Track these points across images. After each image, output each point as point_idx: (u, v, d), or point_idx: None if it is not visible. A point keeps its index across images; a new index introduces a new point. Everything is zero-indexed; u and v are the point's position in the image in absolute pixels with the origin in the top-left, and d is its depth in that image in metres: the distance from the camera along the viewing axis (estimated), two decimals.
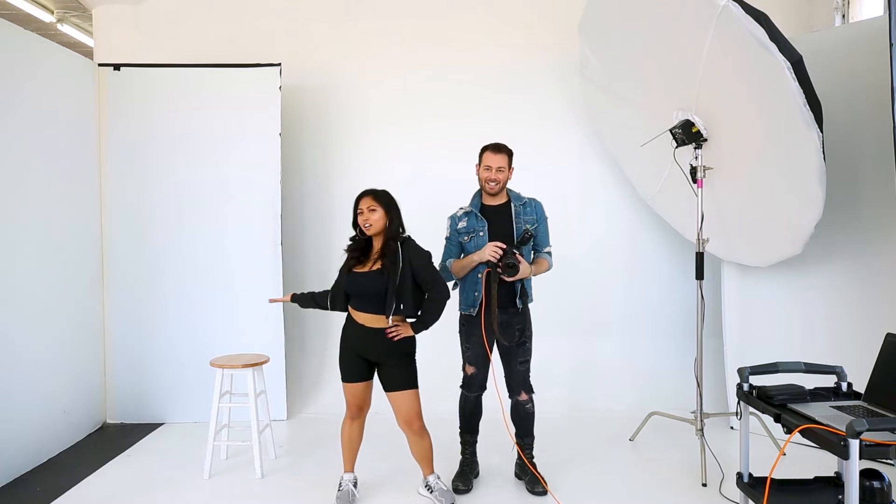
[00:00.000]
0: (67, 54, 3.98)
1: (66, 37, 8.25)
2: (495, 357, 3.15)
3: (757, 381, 2.43)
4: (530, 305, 3.19)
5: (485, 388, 3.19)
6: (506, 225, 3.11)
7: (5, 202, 3.36)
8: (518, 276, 2.96)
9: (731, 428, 3.99)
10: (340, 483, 3.07)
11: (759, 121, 3.25)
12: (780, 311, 3.84)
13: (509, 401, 3.19)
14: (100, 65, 4.25)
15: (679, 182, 3.69)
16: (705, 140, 3.42)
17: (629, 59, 3.78)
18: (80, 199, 4.03)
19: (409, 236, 2.97)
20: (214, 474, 3.38)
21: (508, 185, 3.19)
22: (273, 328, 4.22)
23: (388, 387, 2.97)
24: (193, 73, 4.25)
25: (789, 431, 2.15)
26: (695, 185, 3.47)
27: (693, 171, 3.45)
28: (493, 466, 3.39)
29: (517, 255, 2.95)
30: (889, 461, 2.77)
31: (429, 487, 3.08)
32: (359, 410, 3.05)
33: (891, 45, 2.70)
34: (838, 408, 2.24)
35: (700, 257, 3.51)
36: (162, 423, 4.21)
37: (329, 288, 3.05)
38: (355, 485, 3.06)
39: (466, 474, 3.20)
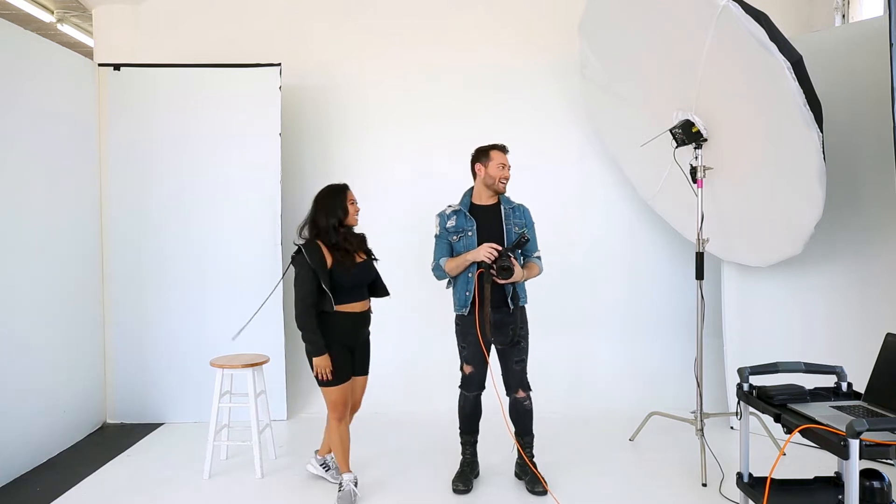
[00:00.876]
0: (67, 54, 3.99)
1: (66, 37, 8.25)
2: (493, 357, 3.15)
3: (757, 381, 2.43)
4: (526, 306, 3.19)
5: (483, 388, 3.19)
6: (495, 226, 3.12)
7: (5, 202, 3.36)
8: (511, 280, 2.97)
9: (731, 428, 3.99)
10: (341, 484, 3.05)
11: (759, 121, 3.25)
12: (780, 311, 3.84)
13: (507, 399, 3.19)
14: (100, 65, 4.25)
15: (679, 182, 3.69)
16: (705, 140, 3.42)
17: (629, 59, 3.78)
18: (80, 199, 4.03)
19: None
20: (214, 474, 3.38)
21: None
22: (273, 328, 4.22)
23: (357, 371, 3.14)
24: (193, 73, 4.25)
25: (789, 431, 2.15)
26: (695, 185, 3.47)
27: (693, 171, 3.45)
28: (493, 466, 3.39)
29: (511, 259, 2.96)
30: (889, 461, 2.76)
31: (325, 465, 3.29)
32: (345, 409, 3.07)
33: (891, 45, 2.70)
34: (838, 408, 2.24)
35: (700, 257, 3.51)
36: (162, 423, 4.21)
37: (307, 306, 2.92)
38: (356, 484, 3.06)
39: (466, 474, 3.20)
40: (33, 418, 3.53)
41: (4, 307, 3.34)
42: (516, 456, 3.27)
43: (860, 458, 1.91)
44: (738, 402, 2.44)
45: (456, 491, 3.13)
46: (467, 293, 3.07)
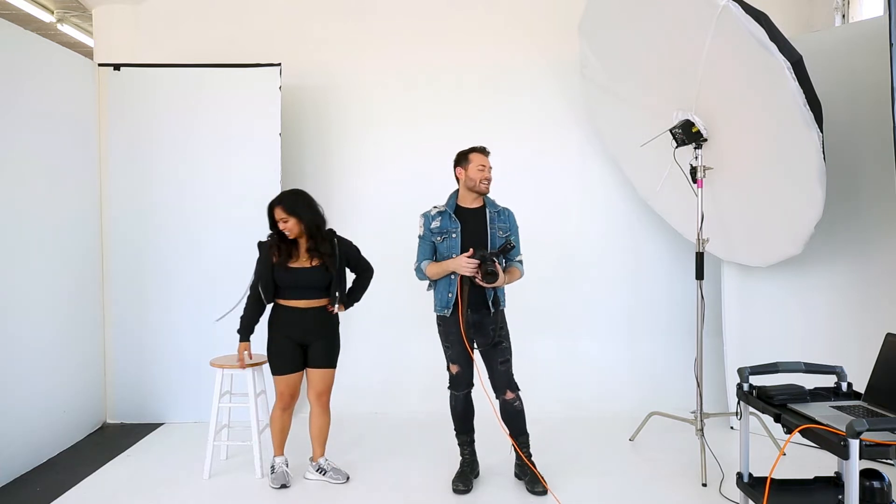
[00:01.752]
0: (67, 54, 3.99)
1: (66, 37, 8.25)
2: (479, 362, 3.17)
3: (757, 381, 2.43)
4: (504, 308, 3.20)
5: (472, 385, 3.20)
6: (479, 229, 3.13)
7: (5, 202, 3.36)
8: (495, 284, 2.99)
9: (731, 428, 4.00)
10: (273, 466, 3.26)
11: (759, 121, 3.25)
12: (780, 311, 3.84)
13: (497, 402, 3.18)
14: (100, 65, 4.25)
15: (679, 182, 3.69)
16: (705, 140, 3.42)
17: (629, 59, 3.78)
18: (80, 199, 4.03)
19: (333, 230, 3.28)
20: (214, 474, 3.38)
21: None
22: None
23: (314, 363, 3.22)
24: (194, 73, 4.25)
25: (789, 431, 2.15)
26: (695, 185, 3.47)
27: (693, 171, 3.45)
28: (493, 466, 3.39)
29: (496, 264, 2.98)
30: (889, 461, 2.76)
31: (321, 469, 3.30)
32: (291, 400, 3.21)
33: (891, 45, 2.70)
34: (838, 408, 2.24)
35: (700, 257, 3.51)
36: (162, 423, 4.21)
37: (248, 293, 3.25)
38: (287, 465, 3.28)
39: (466, 474, 3.20)
40: (33, 418, 3.53)
41: (4, 307, 3.34)
42: (515, 457, 3.27)
43: (860, 458, 1.91)
44: (738, 402, 2.44)
45: (456, 491, 3.13)
46: (450, 294, 3.09)
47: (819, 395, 2.39)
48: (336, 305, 3.23)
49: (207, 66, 4.26)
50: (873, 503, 2.13)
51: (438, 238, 3.12)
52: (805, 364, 2.39)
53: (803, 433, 2.09)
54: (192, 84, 4.25)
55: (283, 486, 3.19)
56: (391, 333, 4.71)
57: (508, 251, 3.06)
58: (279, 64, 4.24)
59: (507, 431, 3.19)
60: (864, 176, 3.53)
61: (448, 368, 3.20)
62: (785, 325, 3.82)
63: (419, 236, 3.17)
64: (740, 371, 2.44)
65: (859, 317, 3.57)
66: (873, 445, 1.93)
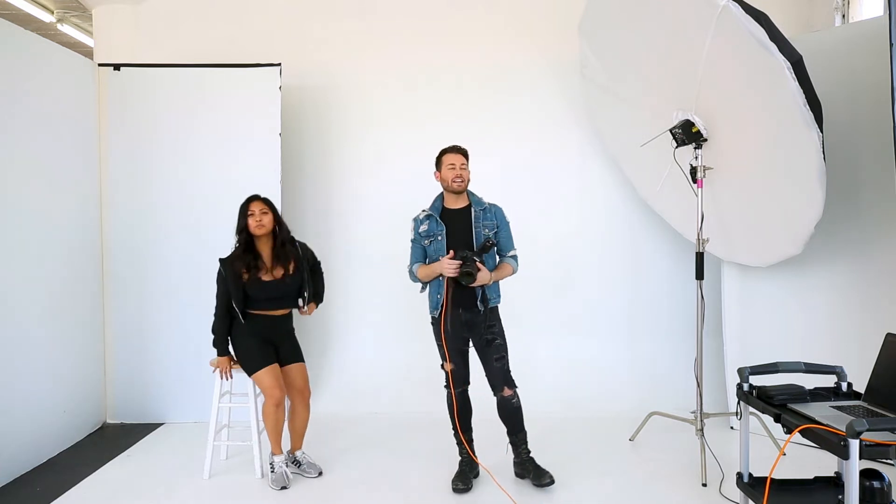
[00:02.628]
0: (67, 54, 3.99)
1: (66, 37, 8.25)
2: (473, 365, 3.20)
3: (757, 381, 2.43)
4: (499, 305, 3.23)
5: (468, 383, 3.23)
6: (465, 229, 3.15)
7: (5, 202, 3.36)
8: (477, 283, 3.02)
9: (731, 428, 3.99)
10: (273, 465, 3.25)
11: (759, 121, 3.24)
12: (780, 311, 3.84)
13: (495, 399, 3.20)
14: (100, 65, 4.25)
15: (679, 182, 3.69)
16: (705, 140, 3.42)
17: (629, 59, 3.78)
18: (80, 199, 4.03)
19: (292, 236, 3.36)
20: (214, 474, 3.38)
21: (471, 189, 3.24)
22: None
23: (289, 360, 3.32)
24: (194, 73, 4.25)
25: (789, 431, 2.15)
26: (695, 185, 3.47)
27: (693, 171, 3.45)
28: (491, 467, 3.38)
29: (476, 263, 3.01)
30: (889, 461, 2.76)
31: (296, 462, 3.34)
32: (280, 393, 3.20)
33: (891, 45, 2.70)
34: (838, 408, 2.24)
35: (700, 257, 3.51)
36: (162, 423, 4.21)
37: (221, 318, 3.23)
38: (287, 464, 3.28)
39: (466, 474, 3.20)
40: (33, 418, 3.53)
41: (4, 307, 3.34)
42: (513, 456, 3.28)
43: (860, 458, 1.91)
44: (738, 402, 2.44)
45: (456, 490, 3.13)
46: (438, 296, 3.14)
47: (819, 395, 2.39)
48: (307, 307, 3.34)
49: (207, 66, 4.26)
50: (873, 503, 2.13)
51: (426, 241, 3.16)
52: (805, 364, 2.39)
53: (803, 433, 2.09)
54: (192, 84, 4.25)
55: (284, 489, 3.18)
56: (390, 333, 4.71)
57: (488, 249, 3.10)
58: (279, 64, 4.24)
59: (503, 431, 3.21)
60: (864, 176, 3.53)
61: (442, 367, 3.22)
62: (785, 325, 3.82)
63: (411, 240, 3.22)
64: (740, 371, 2.44)
65: (859, 317, 3.57)
66: (873, 445, 1.93)
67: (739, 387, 2.45)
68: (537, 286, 4.54)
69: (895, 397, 2.21)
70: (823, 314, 3.71)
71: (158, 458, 3.63)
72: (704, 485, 3.18)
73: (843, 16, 4.26)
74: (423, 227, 3.17)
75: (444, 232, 3.14)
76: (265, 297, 3.22)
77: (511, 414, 3.17)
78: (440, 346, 3.21)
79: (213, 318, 3.25)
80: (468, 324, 3.14)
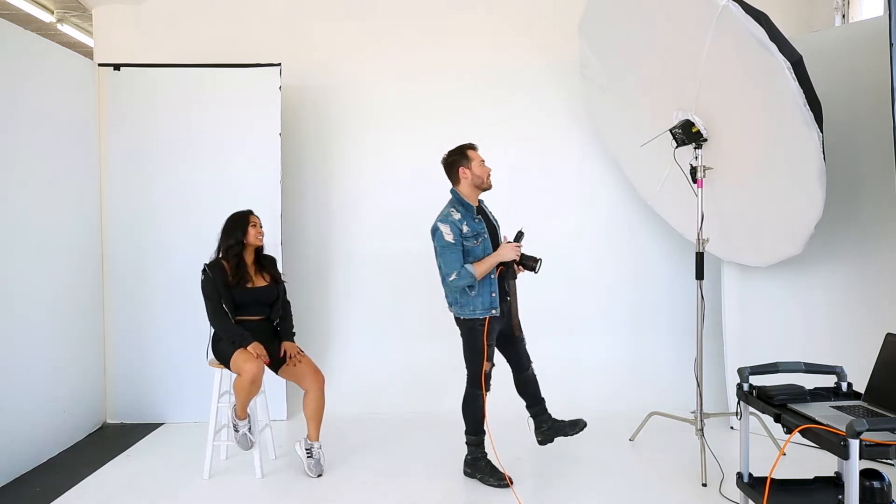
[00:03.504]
0: (67, 54, 3.99)
1: (66, 37, 8.25)
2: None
3: (757, 381, 2.43)
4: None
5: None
6: (489, 224, 3.23)
7: (5, 202, 3.36)
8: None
9: (731, 428, 3.99)
10: (236, 427, 3.29)
11: (759, 121, 3.25)
12: (780, 311, 3.84)
13: (522, 377, 3.35)
14: (100, 65, 4.25)
15: (679, 182, 3.69)
16: (705, 140, 3.42)
17: (629, 59, 3.78)
18: (80, 199, 4.03)
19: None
20: (214, 474, 3.38)
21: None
22: None
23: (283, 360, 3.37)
24: (194, 73, 4.25)
25: (789, 431, 2.15)
26: (695, 185, 3.47)
27: (693, 171, 3.45)
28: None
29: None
30: (889, 461, 2.76)
31: (309, 452, 3.35)
32: (257, 370, 3.15)
33: (891, 45, 2.70)
34: (838, 408, 2.24)
35: (700, 257, 3.51)
36: (162, 423, 4.21)
37: (220, 315, 3.29)
38: (249, 430, 3.31)
39: (495, 469, 3.21)
40: (33, 418, 3.53)
41: (4, 307, 3.34)
42: (536, 427, 3.41)
43: (860, 458, 1.91)
44: (738, 402, 2.44)
45: (500, 486, 3.14)
46: (493, 294, 3.14)
47: (819, 395, 2.39)
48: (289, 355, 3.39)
49: (207, 66, 4.26)
50: (873, 503, 2.13)
51: (474, 241, 3.11)
52: (805, 364, 2.39)
53: (803, 433, 2.09)
54: (192, 84, 4.25)
55: (248, 448, 3.28)
56: (391, 333, 4.71)
57: (521, 238, 3.19)
58: (279, 64, 4.24)
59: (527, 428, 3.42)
60: (864, 176, 3.53)
61: (481, 369, 3.17)
62: (785, 325, 3.81)
63: (447, 245, 3.06)
64: (740, 371, 2.44)
65: (859, 317, 3.57)
66: (873, 445, 1.93)
67: (739, 387, 2.45)
68: (537, 286, 4.53)
69: (895, 397, 2.21)
70: (823, 314, 3.71)
71: (158, 458, 3.63)
72: (704, 485, 3.18)
73: (843, 16, 4.26)
74: (465, 228, 3.10)
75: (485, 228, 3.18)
76: (252, 300, 3.32)
77: (535, 384, 3.37)
78: (480, 347, 3.16)
79: (211, 328, 3.31)
80: (508, 315, 3.24)
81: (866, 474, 2.14)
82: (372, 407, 4.43)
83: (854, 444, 1.90)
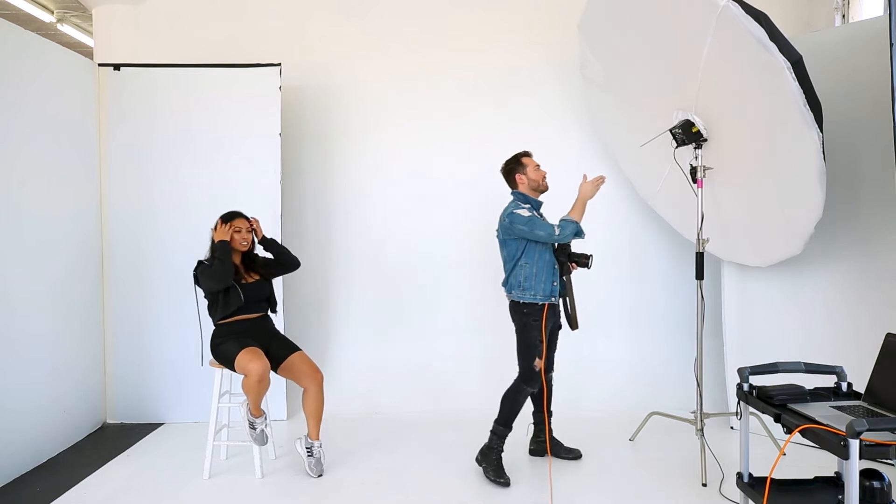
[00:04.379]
0: (67, 54, 3.99)
1: (66, 37, 8.25)
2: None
3: (757, 381, 2.43)
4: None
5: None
6: None
7: (5, 202, 3.36)
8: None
9: (731, 428, 3.99)
10: (253, 424, 3.29)
11: (759, 121, 3.24)
12: (780, 311, 3.84)
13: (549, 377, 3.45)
14: (100, 65, 4.25)
15: (679, 182, 3.69)
16: (705, 140, 3.42)
17: (629, 59, 3.78)
18: (80, 199, 4.03)
19: None
20: (214, 474, 3.38)
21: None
22: None
23: (284, 355, 3.37)
24: (193, 73, 4.25)
25: (789, 431, 2.15)
26: (695, 185, 3.47)
27: (693, 171, 3.45)
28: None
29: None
30: (889, 461, 2.77)
31: (310, 450, 3.35)
32: (263, 369, 3.15)
33: (891, 45, 2.70)
34: (838, 408, 2.24)
35: (700, 257, 3.51)
36: (162, 423, 4.21)
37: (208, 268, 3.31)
38: (266, 427, 3.36)
39: (501, 469, 3.25)
40: (33, 418, 3.53)
41: (4, 307, 3.34)
42: (533, 436, 3.49)
43: (860, 458, 1.92)
44: (738, 402, 2.44)
45: (505, 484, 3.17)
46: (554, 283, 3.26)
47: (819, 395, 2.40)
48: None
49: (207, 66, 4.26)
50: (873, 503, 2.13)
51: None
52: (805, 364, 2.39)
53: (803, 433, 2.09)
54: (192, 84, 4.25)
55: (263, 445, 3.32)
56: (391, 333, 4.71)
57: (590, 261, 3.33)
58: (279, 64, 4.24)
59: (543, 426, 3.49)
60: (864, 176, 3.53)
61: (534, 364, 3.24)
62: (785, 325, 3.82)
63: (529, 218, 3.20)
64: (740, 371, 2.44)
65: (859, 317, 3.57)
66: (873, 445, 1.93)
67: (739, 387, 2.45)
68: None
69: (895, 397, 2.21)
70: (823, 314, 3.71)
71: (158, 458, 3.63)
72: (704, 485, 3.18)
73: (843, 16, 4.26)
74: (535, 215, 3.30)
75: None
76: (247, 297, 3.32)
77: (549, 392, 3.44)
78: (533, 341, 3.23)
79: (215, 288, 3.27)
80: (556, 310, 3.34)
81: (866, 474, 2.14)
82: (372, 407, 4.43)
83: (854, 444, 1.90)
